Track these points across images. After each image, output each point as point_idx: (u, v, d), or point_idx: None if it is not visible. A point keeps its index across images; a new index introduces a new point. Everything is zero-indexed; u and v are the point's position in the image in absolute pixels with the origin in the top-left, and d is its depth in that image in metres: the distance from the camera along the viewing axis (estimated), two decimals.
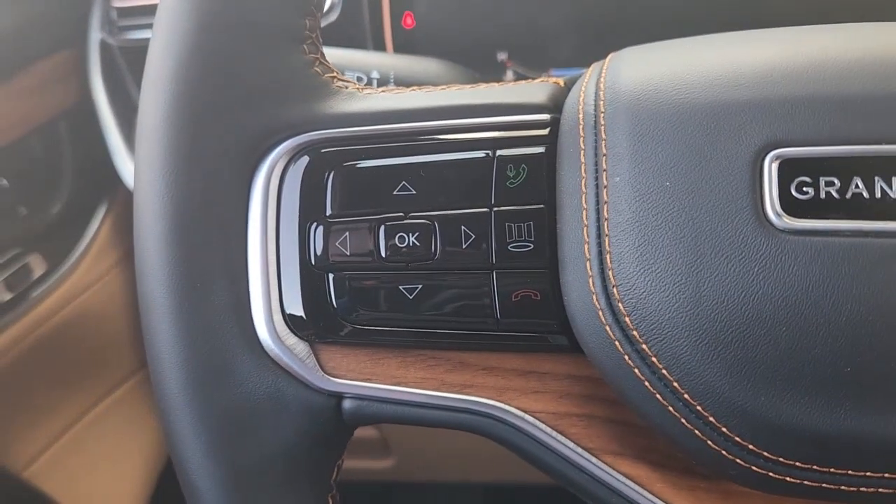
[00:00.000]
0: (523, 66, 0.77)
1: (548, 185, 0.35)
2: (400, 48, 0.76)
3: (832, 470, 0.32)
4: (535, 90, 0.38)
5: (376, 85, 0.53)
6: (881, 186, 0.31)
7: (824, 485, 0.33)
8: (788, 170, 0.31)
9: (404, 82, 0.54)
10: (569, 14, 0.75)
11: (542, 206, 0.35)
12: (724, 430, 0.33)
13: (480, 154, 0.36)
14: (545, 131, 0.36)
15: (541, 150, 0.36)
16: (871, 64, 0.32)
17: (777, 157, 0.31)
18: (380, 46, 0.75)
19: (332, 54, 0.54)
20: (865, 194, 0.31)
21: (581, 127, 0.35)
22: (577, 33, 0.76)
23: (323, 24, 0.70)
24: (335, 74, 0.38)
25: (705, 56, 0.35)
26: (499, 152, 0.36)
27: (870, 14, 0.72)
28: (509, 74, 0.76)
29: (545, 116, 0.36)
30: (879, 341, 0.30)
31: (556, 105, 0.37)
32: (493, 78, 0.76)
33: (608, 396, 0.36)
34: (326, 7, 0.70)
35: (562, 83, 0.40)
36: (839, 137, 0.31)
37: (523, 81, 0.40)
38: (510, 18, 0.76)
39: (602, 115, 0.34)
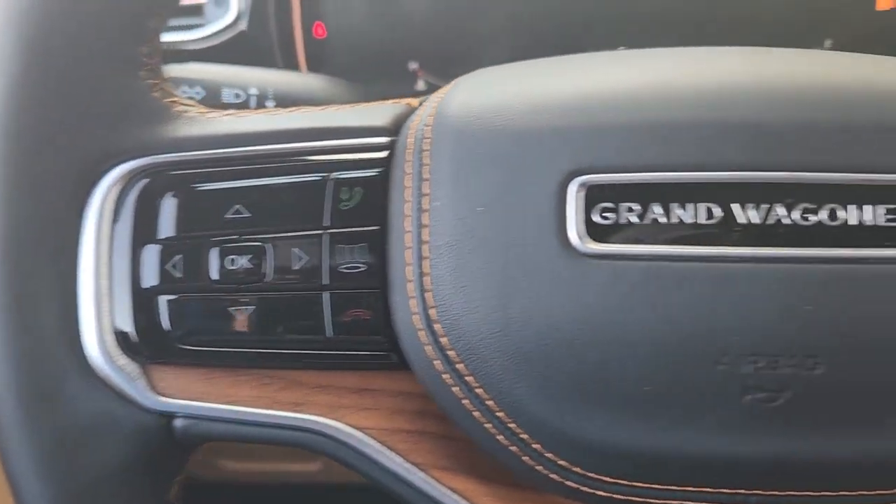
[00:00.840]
0: (435, 76, 0.78)
1: (383, 207, 0.36)
2: (312, 58, 0.77)
3: (638, 484, 0.34)
4: (382, 112, 0.39)
5: (255, 102, 0.54)
6: (678, 212, 0.32)
7: (633, 498, 0.34)
8: (592, 196, 0.32)
9: (284, 99, 0.55)
10: (484, 25, 0.76)
11: (376, 227, 0.36)
12: (536, 447, 0.34)
13: (316, 177, 0.36)
14: (383, 154, 0.37)
15: (376, 173, 0.37)
16: (676, 91, 0.34)
17: (581, 184, 0.32)
18: (290, 57, 0.76)
19: (209, 70, 0.55)
20: (663, 220, 0.32)
21: (409, 151, 0.36)
22: (493, 43, 0.77)
23: (230, 34, 0.71)
24: (176, 99, 0.39)
25: (535, 81, 0.37)
26: (334, 175, 0.36)
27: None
28: (420, 84, 0.77)
29: (383, 139, 0.37)
30: (675, 362, 0.32)
31: (397, 128, 0.38)
32: (405, 88, 0.76)
33: (440, 413, 0.37)
34: (233, 18, 0.70)
35: (415, 104, 0.40)
36: (639, 164, 0.32)
37: (376, 103, 0.41)
38: (425, 27, 0.77)
39: (427, 140, 0.35)
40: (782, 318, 0.31)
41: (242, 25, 0.72)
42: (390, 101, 0.41)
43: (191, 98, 0.52)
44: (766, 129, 0.32)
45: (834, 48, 0.74)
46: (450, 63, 0.77)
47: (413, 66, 0.77)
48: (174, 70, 0.53)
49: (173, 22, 0.70)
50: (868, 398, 0.31)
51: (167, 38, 0.70)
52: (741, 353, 0.31)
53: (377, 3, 0.75)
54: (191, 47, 0.70)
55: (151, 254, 0.36)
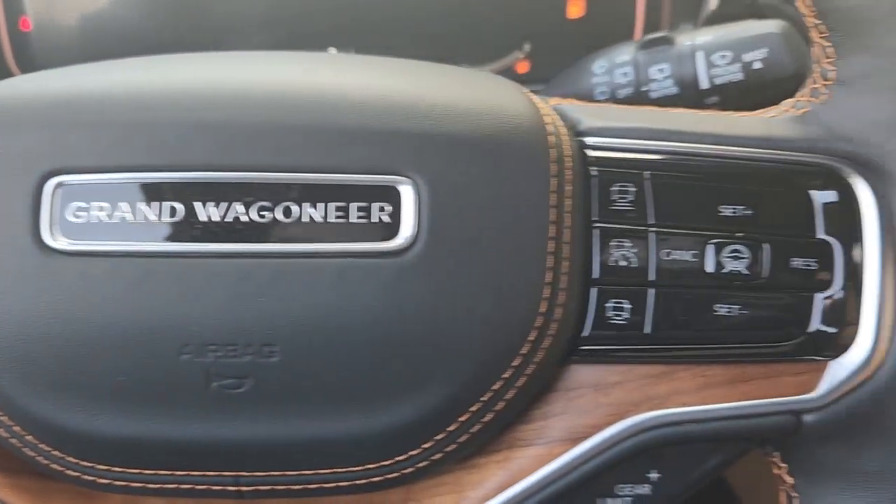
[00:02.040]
0: None
1: None
2: (21, 52, 0.75)
3: (130, 470, 0.35)
4: None
5: None
6: (143, 210, 0.34)
7: (131, 483, 0.36)
8: (66, 195, 0.34)
9: None
10: (194, 21, 0.76)
11: None
12: (30, 438, 0.35)
13: None
14: None
15: None
16: (152, 95, 0.35)
17: (57, 184, 0.34)
18: None
19: None
20: (130, 217, 0.33)
21: None
22: (206, 41, 0.77)
23: None
24: None
25: (50, 83, 0.37)
26: None
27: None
28: None
29: None
30: (143, 354, 0.33)
31: None
32: None
33: None
34: None
35: None
36: (109, 165, 0.34)
37: None
38: (130, 26, 0.76)
39: None
40: (238, 309, 0.33)
41: None
42: None
43: None
44: (229, 132, 0.34)
45: (532, 53, 0.78)
46: None
47: None
48: None
49: None
50: (321, 383, 0.34)
51: None
52: (202, 343, 0.33)
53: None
54: None
55: None
